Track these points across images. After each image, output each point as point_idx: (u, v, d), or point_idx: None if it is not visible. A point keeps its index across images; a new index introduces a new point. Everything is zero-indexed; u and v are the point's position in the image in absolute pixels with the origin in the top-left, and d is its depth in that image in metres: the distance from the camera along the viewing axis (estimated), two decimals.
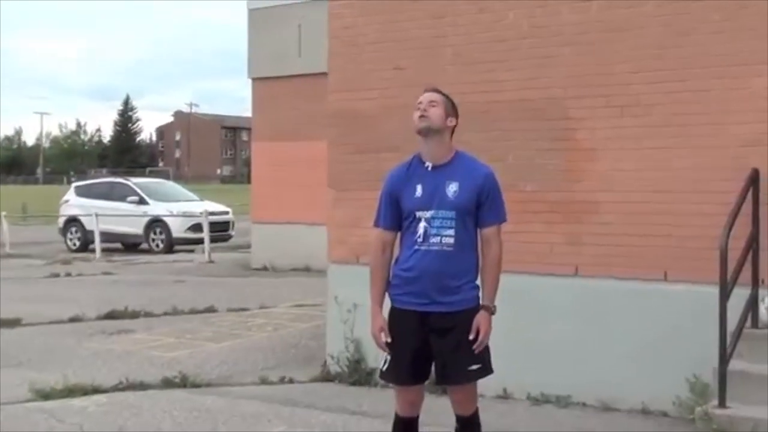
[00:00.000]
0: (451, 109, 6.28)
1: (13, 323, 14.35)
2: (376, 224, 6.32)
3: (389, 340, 6.15)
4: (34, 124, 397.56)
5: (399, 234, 6.27)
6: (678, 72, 8.93)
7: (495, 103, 9.83)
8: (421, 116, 6.15)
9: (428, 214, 6.06)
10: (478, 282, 6.21)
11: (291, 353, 12.23)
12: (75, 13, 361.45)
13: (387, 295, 6.26)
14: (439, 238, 6.04)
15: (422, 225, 6.07)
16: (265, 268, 23.84)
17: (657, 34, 9.05)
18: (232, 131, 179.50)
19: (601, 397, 9.20)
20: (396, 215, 6.21)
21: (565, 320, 9.49)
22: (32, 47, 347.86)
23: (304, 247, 22.01)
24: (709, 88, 8.79)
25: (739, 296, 8.15)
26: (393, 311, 6.21)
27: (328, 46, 11.10)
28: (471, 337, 6.06)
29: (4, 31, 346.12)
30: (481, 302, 6.16)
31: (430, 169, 6.16)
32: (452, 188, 6.09)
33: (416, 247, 6.08)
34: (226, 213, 33.07)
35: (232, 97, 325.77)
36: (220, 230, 31.15)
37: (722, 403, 7.73)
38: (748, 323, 8.33)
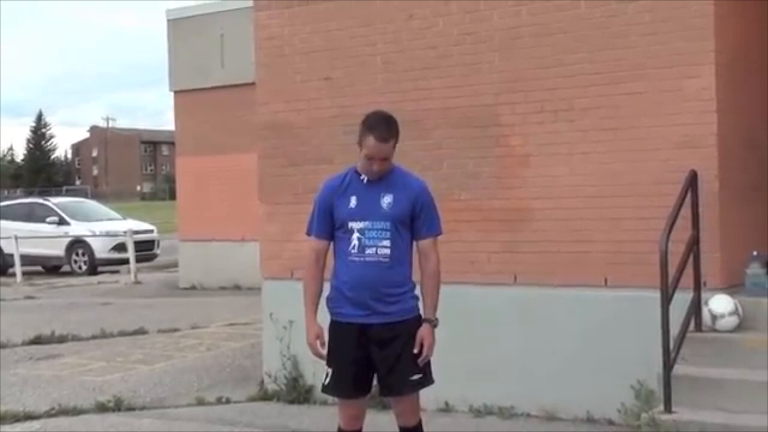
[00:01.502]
0: (395, 142, 6.35)
1: None
2: (309, 232, 6.46)
3: (324, 349, 6.29)
4: None
5: (331, 244, 6.39)
6: (611, 75, 9.06)
7: (427, 111, 9.92)
8: (373, 173, 6.26)
9: (362, 224, 6.21)
10: (417, 292, 6.36)
11: (226, 373, 12.24)
12: None
13: (327, 308, 6.37)
14: (375, 249, 6.19)
15: (356, 236, 6.21)
16: (193, 287, 23.75)
17: (589, 36, 9.17)
18: (152, 146, 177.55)
19: (544, 407, 9.31)
20: (329, 224, 6.34)
21: (505, 330, 9.59)
22: None
23: (233, 264, 22.01)
24: (642, 90, 8.92)
25: (682, 300, 8.26)
26: (333, 325, 6.34)
27: (255, 56, 11.14)
28: (416, 350, 6.22)
29: None
30: (423, 315, 6.31)
31: (365, 182, 6.31)
32: (386, 200, 6.25)
33: (351, 258, 6.21)
34: (151, 231, 32.88)
35: (150, 110, 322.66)
36: (145, 249, 30.95)
37: (668, 408, 7.82)
38: (692, 327, 8.45)
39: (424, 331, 6.26)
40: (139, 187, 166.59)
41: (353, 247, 6.21)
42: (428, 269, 6.35)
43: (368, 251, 6.19)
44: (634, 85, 8.96)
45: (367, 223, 6.21)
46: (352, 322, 6.24)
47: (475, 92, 9.70)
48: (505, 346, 9.56)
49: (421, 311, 6.36)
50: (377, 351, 6.24)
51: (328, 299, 6.37)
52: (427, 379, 6.39)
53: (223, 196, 22.67)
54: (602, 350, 9.06)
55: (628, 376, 8.66)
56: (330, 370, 6.34)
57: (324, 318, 6.40)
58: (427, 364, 6.36)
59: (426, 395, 9.18)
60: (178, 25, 24.27)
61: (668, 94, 8.83)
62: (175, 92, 24.61)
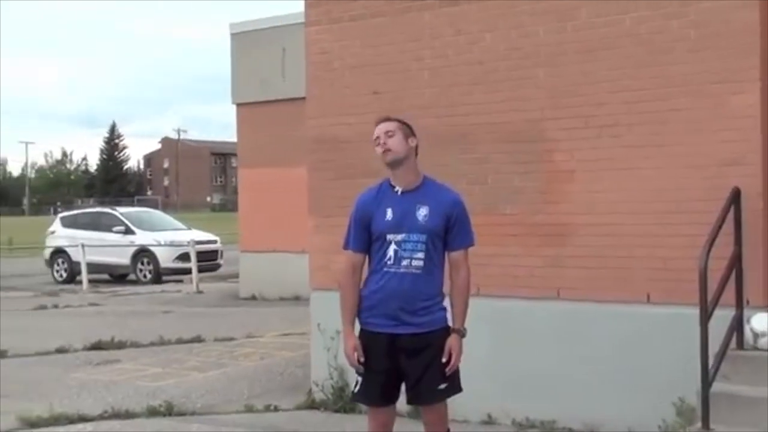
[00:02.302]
0: (408, 130, 6.49)
1: (0, 355, 14.45)
2: (346, 247, 6.54)
3: (362, 359, 6.36)
4: (19, 153, 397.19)
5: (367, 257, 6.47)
6: (656, 91, 9.03)
7: (473, 125, 9.96)
8: (385, 151, 6.38)
9: (399, 237, 6.28)
10: (445, 303, 6.41)
11: (277, 381, 12.34)
12: (54, 38, 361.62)
13: (357, 318, 6.45)
14: (409, 260, 6.27)
15: (392, 248, 6.28)
16: (253, 298, 23.91)
17: (634, 53, 9.15)
18: (222, 157, 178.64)
19: (586, 421, 9.27)
20: (365, 238, 6.42)
21: (548, 344, 9.58)
22: (13, 74, 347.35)
23: (292, 275, 22.04)
24: (687, 107, 8.88)
25: (724, 318, 8.21)
26: (363, 334, 6.42)
27: (306, 71, 11.24)
28: (444, 359, 6.26)
29: None
30: (452, 326, 6.35)
31: (400, 193, 6.39)
32: (422, 212, 6.31)
33: (386, 269, 6.30)
34: (214, 242, 33.16)
35: (221, 122, 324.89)
36: (209, 260, 31.25)
37: (705, 425, 7.77)
38: (733, 345, 8.38)
39: (452, 341, 6.31)
40: (209, 198, 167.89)
41: (389, 259, 6.30)
42: (458, 281, 6.42)
43: (403, 262, 6.27)
44: (678, 102, 8.92)
45: (404, 235, 6.29)
46: (382, 332, 6.32)
47: (521, 107, 9.72)
48: (548, 361, 9.55)
49: (449, 322, 6.40)
50: (406, 360, 6.31)
51: (359, 309, 6.45)
52: (454, 388, 6.43)
53: (283, 208, 22.67)
54: (645, 366, 9.01)
55: (669, 393, 8.62)
56: (360, 379, 6.44)
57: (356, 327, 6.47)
58: (456, 373, 6.39)
59: (469, 407, 9.28)
60: (241, 39, 24.45)
61: (713, 111, 8.77)
62: (238, 105, 24.81)
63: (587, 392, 9.29)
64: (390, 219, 6.32)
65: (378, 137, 6.42)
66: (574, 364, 9.42)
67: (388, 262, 6.30)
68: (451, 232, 6.37)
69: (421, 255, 6.27)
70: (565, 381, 9.45)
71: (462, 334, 6.37)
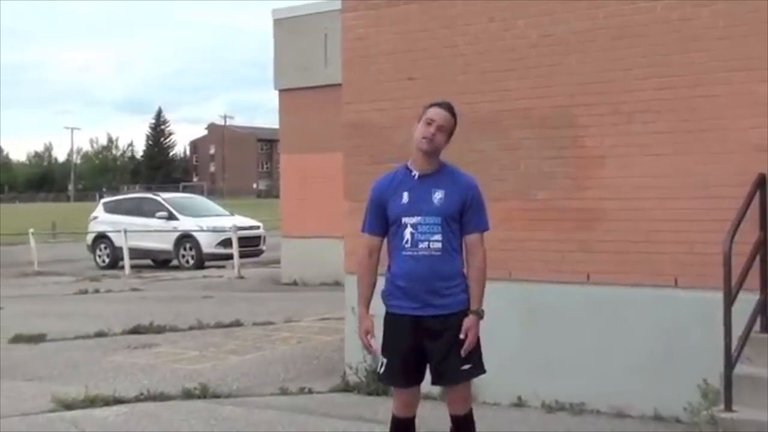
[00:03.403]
0: (453, 129, 6.68)
1: (38, 339, 14.89)
2: (363, 230, 6.82)
3: (374, 342, 6.63)
4: (65, 139, 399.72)
5: (385, 240, 6.73)
6: (685, 78, 9.25)
7: (505, 111, 10.20)
8: (428, 140, 6.56)
9: (414, 220, 6.52)
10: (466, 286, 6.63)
11: (313, 365, 12.63)
12: (98, 24, 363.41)
13: (382, 300, 6.68)
14: (427, 243, 6.50)
15: (408, 231, 6.53)
16: (294, 283, 24.33)
17: (665, 39, 9.36)
18: (268, 144, 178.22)
19: (614, 404, 9.52)
20: (382, 221, 6.69)
21: (578, 327, 9.82)
22: (58, 60, 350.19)
23: (333, 260, 22.21)
24: (716, 93, 9.09)
25: (748, 301, 8.43)
26: (387, 316, 6.66)
27: (342, 56, 11.54)
28: (461, 336, 6.47)
29: (29, 44, 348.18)
30: (470, 307, 6.56)
31: (417, 178, 6.63)
32: (438, 195, 6.55)
33: (405, 252, 6.54)
34: (257, 228, 33.53)
35: (267, 107, 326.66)
36: (251, 245, 31.65)
37: (728, 407, 8.01)
38: (757, 328, 8.59)
39: (469, 321, 6.50)
40: (255, 185, 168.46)
41: (406, 242, 6.54)
42: (475, 263, 6.61)
43: (421, 245, 6.50)
44: (707, 89, 9.14)
45: (419, 218, 6.51)
46: (406, 314, 6.54)
47: (552, 93, 9.95)
48: (577, 344, 9.79)
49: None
50: (430, 342, 6.52)
51: (383, 292, 6.68)
52: (477, 369, 6.63)
53: (324, 194, 22.91)
54: (672, 349, 9.25)
55: (695, 376, 8.78)
56: (385, 360, 6.66)
57: (380, 309, 6.70)
58: (479, 354, 6.60)
59: (499, 389, 9.58)
60: (284, 25, 24.79)
61: (741, 98, 8.98)
62: (280, 91, 25.14)
63: (616, 375, 9.52)
64: (406, 202, 6.56)
65: (432, 120, 6.57)
66: (603, 347, 9.65)
67: (406, 245, 6.53)
68: (466, 215, 6.58)
69: (438, 237, 6.48)
70: (593, 364, 9.68)
71: (479, 315, 6.56)
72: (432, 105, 6.69)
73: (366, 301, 6.71)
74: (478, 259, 6.61)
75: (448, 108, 6.68)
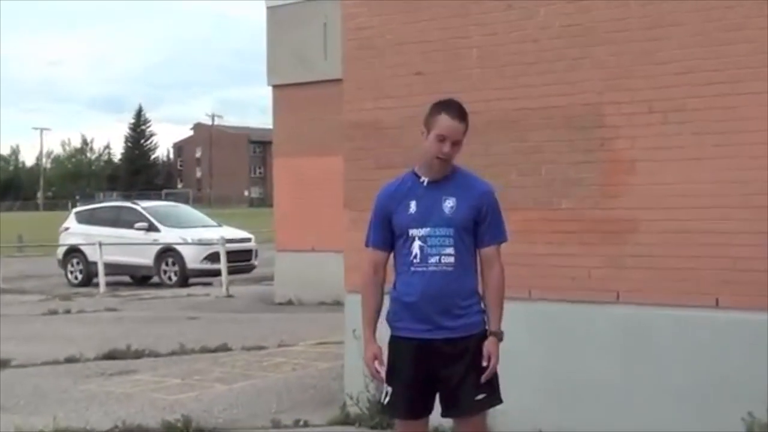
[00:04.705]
0: (465, 133, 6.62)
1: (2, 365, 14.85)
2: (367, 244, 6.78)
3: (382, 370, 6.57)
4: (33, 141, 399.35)
5: (391, 255, 6.68)
6: (727, 73, 9.16)
7: (525, 110, 10.15)
8: (442, 160, 6.52)
9: (422, 231, 6.47)
10: (483, 306, 6.59)
11: (309, 395, 12.59)
12: (74, 14, 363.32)
13: (387, 323, 6.66)
14: (438, 257, 6.44)
15: (417, 244, 6.48)
16: (289, 302, 24.29)
17: (704, 30, 9.28)
18: (262, 146, 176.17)
19: None
20: (388, 234, 6.65)
21: (606, 352, 9.77)
22: (27, 53, 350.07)
23: (333, 277, 22.14)
24: (759, 90, 8.99)
25: None
26: (393, 340, 6.62)
27: (342, 49, 11.53)
28: (484, 363, 6.43)
29: None
30: (488, 328, 6.52)
31: (426, 184, 6.57)
32: (449, 204, 6.49)
33: (413, 268, 6.48)
34: (248, 240, 33.49)
35: (260, 106, 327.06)
36: (241, 260, 31.60)
37: None
38: None
39: (489, 344, 6.46)
40: (246, 192, 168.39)
41: (415, 257, 6.48)
42: (492, 279, 6.57)
43: (431, 260, 6.44)
44: (749, 85, 9.05)
45: (428, 229, 6.46)
46: (413, 338, 6.50)
47: (578, 90, 9.90)
48: (605, 371, 9.74)
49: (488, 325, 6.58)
50: (440, 369, 6.48)
51: (388, 313, 6.65)
52: (494, 399, 6.58)
53: (324, 202, 22.66)
54: (712, 377, 9.19)
55: (739, 407, 8.77)
56: (389, 389, 6.61)
57: (386, 332, 6.70)
58: (495, 382, 6.56)
59: (518, 421, 9.54)
60: (278, 13, 24.73)
61: None
62: (274, 86, 25.10)
63: (649, 405, 9.48)
64: (413, 212, 6.51)
65: (445, 138, 6.48)
66: (635, 374, 9.61)
67: (415, 261, 6.47)
68: (481, 225, 6.53)
69: (450, 251, 6.43)
70: (624, 393, 9.63)
71: (499, 337, 6.52)
72: (440, 110, 6.59)
73: (372, 324, 6.67)
74: (495, 273, 6.56)
75: (459, 115, 6.58)
